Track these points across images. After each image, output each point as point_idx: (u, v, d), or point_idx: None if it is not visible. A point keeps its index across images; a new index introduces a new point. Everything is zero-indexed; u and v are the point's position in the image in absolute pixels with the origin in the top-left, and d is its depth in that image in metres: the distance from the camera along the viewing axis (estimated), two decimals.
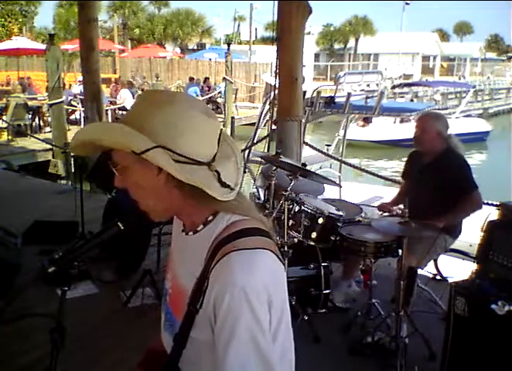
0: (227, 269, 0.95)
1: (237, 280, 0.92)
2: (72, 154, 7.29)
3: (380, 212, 3.63)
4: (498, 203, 2.87)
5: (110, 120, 12.81)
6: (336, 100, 6.33)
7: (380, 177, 6.39)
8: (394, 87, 12.96)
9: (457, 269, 4.06)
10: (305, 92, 5.65)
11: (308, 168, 3.43)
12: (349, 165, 6.98)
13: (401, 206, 3.44)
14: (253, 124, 7.90)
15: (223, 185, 1.00)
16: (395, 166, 14.19)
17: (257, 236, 1.01)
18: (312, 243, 3.24)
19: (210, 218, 1.05)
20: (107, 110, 11.71)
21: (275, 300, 0.97)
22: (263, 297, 0.94)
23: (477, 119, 19.97)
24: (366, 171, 6.53)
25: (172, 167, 0.95)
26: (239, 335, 0.92)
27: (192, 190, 0.97)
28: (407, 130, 16.46)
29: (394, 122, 16.86)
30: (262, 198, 4.42)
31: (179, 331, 1.03)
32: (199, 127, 0.99)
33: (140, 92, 16.16)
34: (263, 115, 7.45)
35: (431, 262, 3.64)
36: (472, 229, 4.12)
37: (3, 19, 30.17)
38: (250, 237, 1.00)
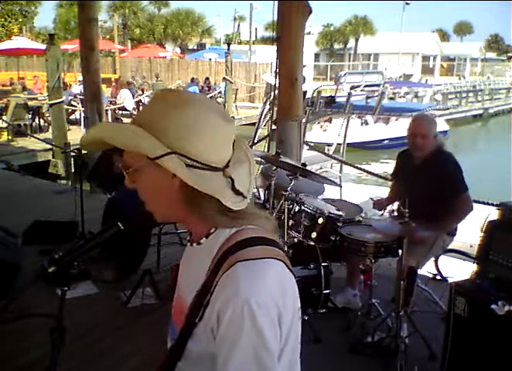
0: (232, 281, 0.90)
1: (241, 291, 0.88)
2: (72, 154, 7.29)
3: (380, 211, 3.63)
4: (498, 203, 2.86)
5: (110, 120, 12.81)
6: (337, 99, 6.34)
7: (382, 177, 6.39)
8: (352, 88, 12.81)
9: (457, 269, 4.06)
10: (305, 92, 5.65)
11: (308, 168, 3.44)
12: (350, 165, 6.98)
13: (395, 206, 3.44)
14: (253, 124, 7.91)
15: (237, 192, 0.96)
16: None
17: (263, 246, 0.96)
18: (312, 243, 3.24)
19: (212, 230, 1.01)
20: (107, 110, 11.70)
21: (285, 314, 0.91)
22: (271, 310, 0.89)
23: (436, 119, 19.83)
24: (367, 172, 6.54)
25: (185, 174, 0.91)
26: (240, 350, 0.87)
27: (203, 199, 0.95)
28: (373, 132, 16.31)
29: (363, 124, 16.54)
30: (262, 198, 4.42)
31: (176, 342, 1.00)
32: (214, 131, 0.95)
33: (140, 92, 16.18)
34: (263, 115, 7.46)
35: (432, 262, 3.64)
36: (472, 230, 4.12)
37: (3, 19, 30.17)
38: (256, 247, 0.95)
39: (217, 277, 0.93)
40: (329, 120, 15.38)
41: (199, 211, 0.97)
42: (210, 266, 0.97)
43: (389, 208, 3.65)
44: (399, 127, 16.02)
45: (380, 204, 3.62)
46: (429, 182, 3.18)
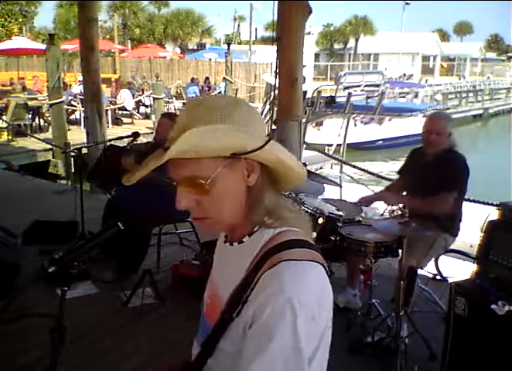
0: (276, 279, 0.89)
1: (285, 290, 0.87)
2: (72, 154, 7.28)
3: (366, 207, 3.59)
4: (498, 203, 2.87)
5: (110, 120, 12.81)
6: (337, 99, 6.35)
7: (383, 178, 6.39)
8: (347, 88, 12.74)
9: (457, 269, 4.06)
10: (305, 92, 5.65)
11: (308, 168, 3.44)
12: (350, 165, 6.98)
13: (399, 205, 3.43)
14: None
15: None
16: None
17: (304, 249, 0.97)
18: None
19: (256, 228, 1.01)
20: (107, 110, 11.69)
21: (319, 321, 0.90)
22: (308, 311, 0.87)
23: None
24: (368, 172, 6.54)
25: (283, 156, 0.97)
26: (272, 348, 0.84)
27: (267, 193, 0.98)
28: (366, 133, 16.25)
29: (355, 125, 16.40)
30: None
31: (208, 337, 0.99)
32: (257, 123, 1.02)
33: (140, 92, 16.18)
34: (263, 115, 7.47)
35: (432, 262, 3.64)
36: (472, 230, 4.12)
37: (3, 19, 30.17)
38: (297, 249, 0.96)
39: (258, 275, 0.93)
40: (321, 123, 15.26)
41: (258, 208, 0.98)
42: (251, 264, 0.97)
43: (388, 208, 3.64)
44: (393, 128, 15.99)
45: (365, 201, 3.59)
46: (434, 178, 3.15)
